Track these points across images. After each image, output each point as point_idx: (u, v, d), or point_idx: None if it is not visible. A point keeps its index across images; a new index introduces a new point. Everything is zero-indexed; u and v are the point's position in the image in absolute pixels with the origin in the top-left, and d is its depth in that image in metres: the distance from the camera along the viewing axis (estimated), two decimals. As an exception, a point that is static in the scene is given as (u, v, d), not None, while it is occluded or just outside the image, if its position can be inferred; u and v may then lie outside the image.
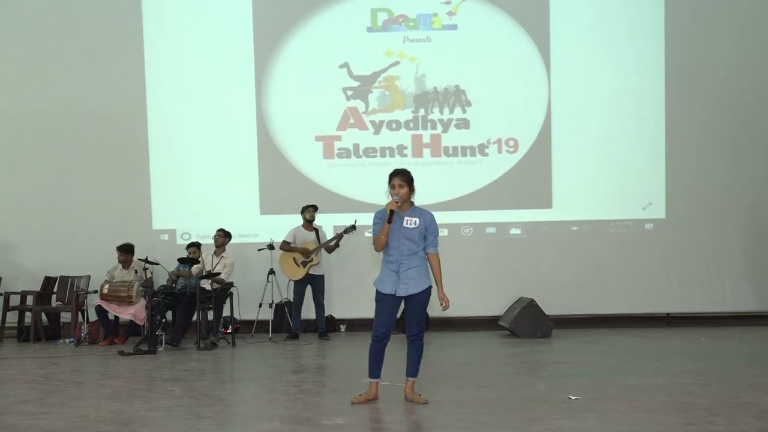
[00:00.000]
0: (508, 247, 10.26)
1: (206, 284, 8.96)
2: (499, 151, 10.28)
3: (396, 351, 5.63)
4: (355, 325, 10.02)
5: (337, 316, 10.10)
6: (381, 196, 5.43)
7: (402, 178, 5.32)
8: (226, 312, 9.19)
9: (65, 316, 9.97)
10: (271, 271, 9.56)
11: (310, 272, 9.50)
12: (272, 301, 9.61)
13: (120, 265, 9.49)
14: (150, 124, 10.30)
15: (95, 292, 9.40)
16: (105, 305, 9.19)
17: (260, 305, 9.58)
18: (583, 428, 4.58)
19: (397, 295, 5.27)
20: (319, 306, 9.58)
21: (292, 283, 9.72)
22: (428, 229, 5.33)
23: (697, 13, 10.20)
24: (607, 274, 10.18)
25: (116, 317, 9.45)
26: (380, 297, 5.32)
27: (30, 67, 10.34)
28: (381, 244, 5.26)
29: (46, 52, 10.33)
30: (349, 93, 10.34)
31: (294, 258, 9.50)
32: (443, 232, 10.12)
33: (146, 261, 9.21)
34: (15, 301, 9.91)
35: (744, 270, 10.17)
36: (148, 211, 10.31)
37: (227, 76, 10.32)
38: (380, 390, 5.52)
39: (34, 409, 5.36)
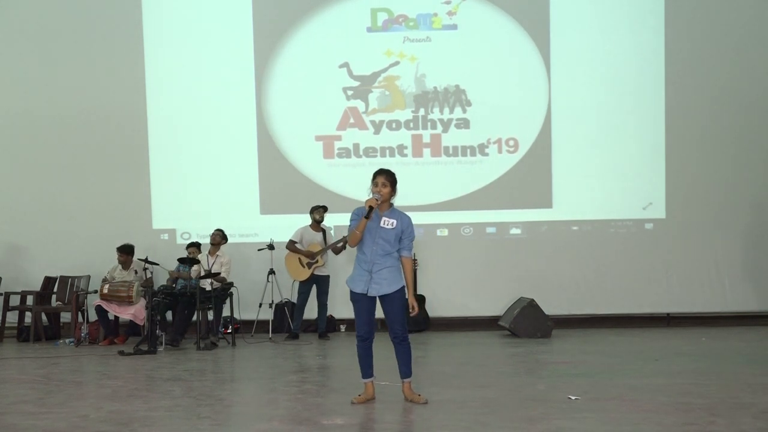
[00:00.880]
0: (508, 247, 10.26)
1: (206, 284, 8.95)
2: (499, 151, 10.28)
3: (391, 351, 5.60)
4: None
5: (337, 316, 10.09)
6: (366, 195, 5.41)
7: (386, 178, 5.33)
8: (226, 312, 9.18)
9: (65, 316, 9.97)
10: (271, 271, 9.56)
11: (315, 273, 9.49)
12: (272, 301, 9.60)
13: (120, 266, 9.49)
14: (150, 124, 10.30)
15: (95, 292, 9.40)
16: (105, 305, 9.19)
17: (260, 305, 9.57)
18: (583, 428, 4.58)
19: (369, 294, 5.28)
20: (322, 306, 9.57)
21: (293, 283, 9.72)
22: (404, 232, 5.33)
23: (697, 13, 10.20)
24: (607, 274, 10.18)
25: (116, 317, 9.45)
26: (355, 297, 5.35)
27: (30, 67, 10.35)
28: (356, 239, 5.27)
29: (46, 52, 10.33)
30: (350, 93, 10.34)
31: (299, 259, 9.49)
32: (443, 232, 10.24)
33: (146, 261, 9.21)
34: (15, 301, 9.91)
35: (744, 270, 10.17)
36: (148, 211, 10.31)
37: (227, 76, 10.32)
38: (380, 390, 5.52)
39: (34, 409, 5.36)
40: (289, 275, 9.64)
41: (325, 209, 9.62)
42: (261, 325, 9.67)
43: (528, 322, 9.16)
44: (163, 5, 10.37)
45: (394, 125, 10.34)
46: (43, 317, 9.87)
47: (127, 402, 5.60)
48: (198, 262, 9.12)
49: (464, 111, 10.31)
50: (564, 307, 10.07)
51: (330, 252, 9.55)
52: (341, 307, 10.09)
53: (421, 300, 10.00)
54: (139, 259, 9.37)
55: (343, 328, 10.17)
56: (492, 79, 10.26)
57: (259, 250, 9.77)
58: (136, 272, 9.44)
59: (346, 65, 10.32)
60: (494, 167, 10.27)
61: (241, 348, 8.70)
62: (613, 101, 10.21)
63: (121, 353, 8.14)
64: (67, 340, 9.36)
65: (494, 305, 10.01)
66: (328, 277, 9.59)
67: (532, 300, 9.31)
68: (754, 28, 10.22)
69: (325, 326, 9.60)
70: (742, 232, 10.20)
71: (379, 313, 5.38)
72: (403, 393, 5.40)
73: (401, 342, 5.32)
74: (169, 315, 9.10)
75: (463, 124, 10.32)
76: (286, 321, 9.76)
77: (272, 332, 9.40)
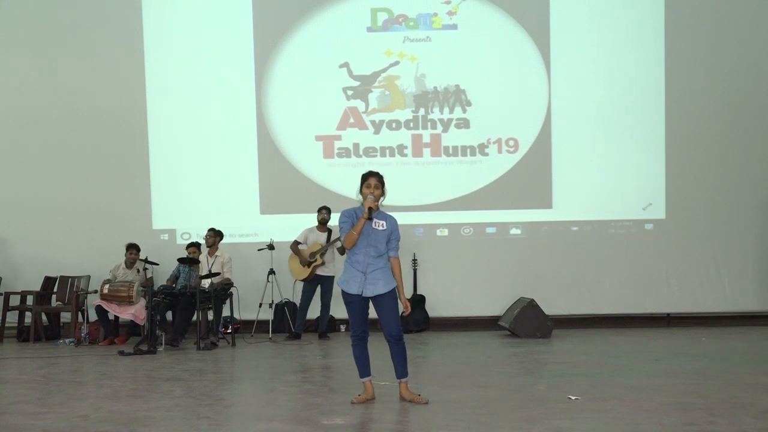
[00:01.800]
0: (508, 247, 10.26)
1: (206, 284, 8.95)
2: (499, 151, 10.28)
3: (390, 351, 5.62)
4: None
5: (338, 316, 10.09)
6: (356, 197, 5.43)
7: (378, 180, 5.37)
8: (226, 312, 9.18)
9: (65, 316, 9.97)
10: (271, 271, 9.56)
11: (320, 273, 9.48)
12: (272, 301, 9.61)
13: (124, 264, 9.49)
14: (150, 124, 10.31)
15: (95, 292, 9.41)
16: (105, 305, 9.19)
17: (260, 305, 9.58)
18: (583, 428, 4.58)
19: (363, 295, 5.30)
20: (325, 306, 9.57)
21: (294, 283, 9.72)
22: (392, 233, 5.39)
23: (698, 13, 10.20)
24: (607, 274, 10.18)
25: (116, 317, 9.45)
26: (349, 299, 5.36)
27: (30, 66, 10.36)
28: (353, 240, 5.28)
29: (46, 52, 10.34)
30: (349, 93, 10.34)
31: (300, 260, 9.48)
32: (443, 232, 10.25)
33: (146, 261, 9.22)
34: (15, 301, 9.91)
35: (744, 270, 10.18)
36: (148, 211, 10.31)
37: (227, 76, 10.32)
38: (380, 390, 5.52)
39: (34, 409, 5.36)
40: (291, 275, 9.64)
41: (328, 210, 9.60)
42: (261, 325, 9.68)
43: (528, 322, 9.16)
44: (163, 5, 10.37)
45: (394, 125, 10.35)
46: (43, 317, 9.87)
47: (127, 402, 5.59)
48: (198, 261, 9.12)
49: (464, 111, 10.31)
50: (564, 307, 10.08)
51: (336, 252, 9.54)
52: (342, 308, 10.04)
53: (421, 300, 10.00)
54: (139, 260, 9.38)
55: (343, 328, 10.17)
56: (492, 79, 10.26)
57: (259, 250, 9.77)
58: (138, 271, 9.45)
59: (346, 65, 10.32)
60: (494, 167, 10.27)
61: (241, 348, 8.70)
62: (613, 101, 10.21)
63: (121, 353, 8.14)
64: (67, 340, 9.36)
65: (494, 305, 10.01)
66: (332, 277, 9.55)
67: (532, 300, 9.31)
68: (754, 27, 10.23)
69: (326, 326, 9.60)
70: (742, 232, 10.20)
71: (372, 314, 5.37)
72: (400, 393, 5.40)
73: (397, 342, 5.33)
74: (169, 315, 9.10)
75: (463, 124, 10.32)
76: (286, 321, 9.76)
77: (272, 332, 9.40)
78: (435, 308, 10.11)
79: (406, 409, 5.20)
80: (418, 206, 10.16)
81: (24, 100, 10.35)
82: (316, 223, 9.62)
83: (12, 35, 10.41)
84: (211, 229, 9.40)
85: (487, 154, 10.29)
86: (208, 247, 9.34)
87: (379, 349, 5.66)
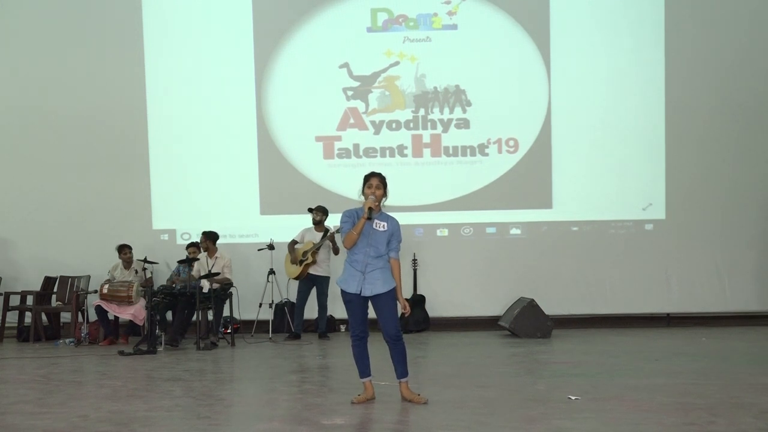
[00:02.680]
0: (508, 247, 10.26)
1: (205, 284, 8.94)
2: (499, 151, 10.28)
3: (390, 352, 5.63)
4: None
5: (337, 316, 10.09)
6: (358, 197, 5.44)
7: (380, 180, 5.38)
8: (225, 312, 9.18)
9: (65, 316, 9.97)
10: (271, 271, 9.57)
11: (314, 273, 9.48)
12: (272, 301, 9.61)
13: (121, 265, 9.50)
14: (150, 124, 10.31)
15: (95, 292, 9.41)
16: (105, 305, 9.19)
17: (260, 305, 9.58)
18: (583, 428, 4.58)
19: (362, 294, 5.31)
20: (322, 307, 9.57)
21: (293, 283, 9.72)
22: (393, 235, 5.40)
23: (698, 13, 10.20)
24: (607, 274, 10.18)
25: (116, 317, 9.45)
26: (348, 298, 5.37)
27: (30, 67, 10.35)
28: (353, 240, 5.29)
29: (46, 52, 10.34)
30: (350, 93, 10.34)
31: (293, 258, 9.51)
32: (443, 232, 10.24)
33: (146, 261, 9.22)
34: (15, 301, 9.91)
35: (744, 270, 10.17)
36: (148, 211, 10.31)
37: (227, 76, 10.32)
38: (380, 390, 5.52)
39: (34, 409, 5.36)
40: (285, 275, 9.67)
41: (321, 210, 9.57)
42: (261, 325, 9.68)
43: (528, 322, 9.16)
44: (163, 5, 10.37)
45: (394, 125, 10.34)
46: (43, 317, 9.87)
47: (127, 402, 5.59)
48: (197, 260, 9.11)
49: (464, 111, 10.31)
50: (564, 307, 10.07)
51: (331, 252, 9.55)
52: (341, 308, 10.04)
53: (421, 300, 10.00)
54: (138, 260, 9.38)
55: (342, 328, 10.16)
56: (492, 79, 10.26)
57: (259, 250, 9.78)
58: (136, 272, 9.45)
59: (346, 65, 10.32)
60: (494, 167, 10.27)
61: (241, 348, 8.70)
62: (613, 101, 10.21)
63: (121, 353, 8.14)
64: (67, 340, 9.36)
65: (494, 305, 10.01)
66: (327, 278, 9.57)
67: (532, 300, 9.31)
68: (754, 27, 10.22)
69: (325, 326, 9.60)
70: (742, 232, 10.19)
71: (372, 314, 5.37)
72: (401, 393, 5.40)
73: (396, 342, 5.34)
74: (169, 315, 9.10)
75: (463, 124, 10.32)
76: (286, 321, 9.76)
77: (272, 332, 9.40)
78: (435, 308, 10.11)
79: (406, 409, 5.20)
80: (418, 206, 10.15)
81: (24, 100, 10.34)
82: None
83: (12, 35, 10.41)
84: (204, 234, 9.25)
85: (487, 155, 10.29)
86: (204, 251, 9.30)
87: (379, 349, 5.66)
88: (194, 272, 9.06)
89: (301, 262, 9.44)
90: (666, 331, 9.80)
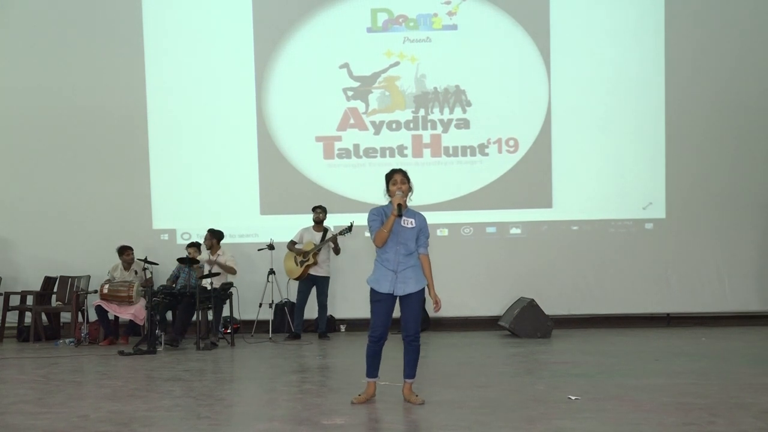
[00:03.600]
0: (508, 247, 10.26)
1: (206, 284, 8.95)
2: (499, 151, 10.28)
3: (394, 351, 5.63)
4: (355, 325, 10.01)
5: (337, 316, 10.10)
6: (381, 196, 5.44)
7: (404, 175, 5.39)
8: (225, 312, 9.18)
9: (65, 316, 9.97)
10: (271, 271, 9.57)
11: (314, 273, 9.49)
12: (272, 301, 9.61)
13: (121, 265, 9.50)
14: (150, 124, 10.31)
15: (95, 292, 9.41)
16: (105, 305, 9.19)
17: (260, 305, 9.58)
18: (583, 428, 4.58)
19: (395, 294, 5.28)
20: (322, 307, 9.57)
21: (293, 283, 9.72)
22: (421, 231, 5.39)
23: (698, 13, 10.20)
24: (607, 274, 10.18)
25: (116, 317, 9.45)
26: (377, 297, 5.31)
27: (30, 66, 10.35)
28: (383, 238, 5.25)
29: (46, 52, 10.34)
30: (350, 93, 10.34)
31: (294, 257, 9.51)
32: (443, 232, 10.24)
33: (146, 261, 9.22)
34: (15, 301, 9.91)
35: (744, 270, 10.17)
36: (148, 211, 10.31)
37: (227, 75, 10.32)
38: (379, 390, 5.52)
39: (34, 409, 5.36)
40: (285, 275, 9.66)
41: (322, 209, 9.59)
42: (261, 325, 9.68)
43: (528, 322, 9.16)
44: (163, 5, 10.37)
45: (394, 126, 10.34)
46: (43, 317, 9.87)
47: (127, 402, 5.59)
48: (197, 261, 9.12)
49: (464, 111, 10.31)
50: (564, 307, 10.08)
51: (331, 252, 9.56)
52: (341, 308, 10.10)
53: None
54: (139, 259, 9.38)
55: (343, 328, 10.17)
56: (492, 79, 10.26)
57: (259, 250, 9.78)
58: (136, 272, 9.45)
59: (346, 66, 10.32)
60: (494, 167, 10.27)
61: (241, 348, 8.70)
62: (613, 101, 10.21)
63: (121, 353, 8.14)
64: (67, 340, 9.35)
65: (494, 305, 10.02)
66: (327, 278, 9.58)
67: (532, 300, 9.31)
68: (754, 27, 10.22)
69: (325, 326, 9.60)
70: (742, 232, 10.19)
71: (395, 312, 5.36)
72: (403, 393, 5.40)
73: (412, 342, 5.33)
74: (169, 315, 9.10)
75: (463, 124, 10.32)
76: (286, 321, 9.76)
77: (272, 332, 9.40)
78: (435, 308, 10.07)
79: (405, 409, 5.21)
80: (418, 206, 10.03)
81: (24, 100, 10.35)
82: (313, 223, 9.63)
83: (12, 35, 10.41)
84: (209, 231, 9.38)
85: (487, 154, 10.30)
86: (207, 249, 9.33)
87: (384, 349, 5.63)
88: (198, 269, 9.08)
89: (302, 262, 9.44)
90: (666, 331, 9.80)
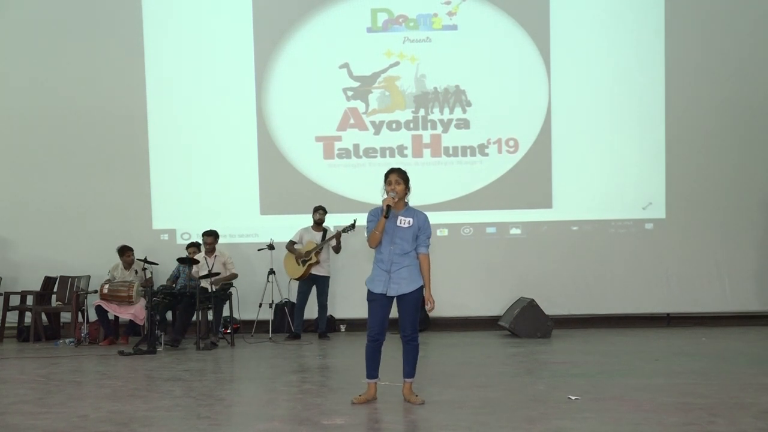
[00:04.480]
0: (508, 247, 10.26)
1: (206, 284, 8.95)
2: (499, 151, 10.28)
3: (394, 351, 5.63)
4: (355, 325, 10.01)
5: (337, 316, 10.10)
6: (381, 196, 5.43)
7: (399, 176, 5.33)
8: (225, 312, 9.18)
9: (65, 316, 9.97)
10: (271, 271, 9.57)
11: (314, 273, 9.49)
12: (272, 301, 9.61)
13: (121, 265, 9.50)
14: (150, 124, 10.31)
15: (95, 292, 9.41)
16: (105, 305, 9.19)
17: (260, 305, 9.58)
18: (583, 428, 4.58)
19: (388, 294, 5.27)
20: (322, 307, 9.58)
21: (293, 283, 9.72)
22: (421, 229, 5.35)
23: (698, 13, 10.20)
24: (607, 274, 10.18)
25: (116, 317, 9.45)
26: (372, 297, 5.32)
27: (30, 66, 10.35)
28: (376, 239, 5.26)
29: (46, 52, 10.34)
30: (350, 93, 10.34)
31: (295, 257, 9.51)
32: (443, 232, 10.23)
33: (146, 261, 9.22)
34: (15, 301, 9.91)
35: (744, 270, 10.17)
36: (148, 211, 10.31)
37: (227, 76, 10.32)
38: (379, 390, 5.52)
39: (34, 409, 5.36)
40: (286, 275, 9.66)
41: (323, 210, 9.60)
42: (261, 325, 9.68)
43: (528, 322, 9.16)
44: (163, 5, 10.37)
45: (394, 126, 10.34)
46: (43, 317, 9.87)
47: (127, 402, 5.60)
48: (197, 261, 9.12)
49: (464, 111, 10.31)
50: (564, 307, 10.08)
51: (331, 252, 9.56)
52: (341, 308, 10.10)
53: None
54: (138, 260, 9.38)
55: (343, 328, 10.17)
56: (492, 79, 10.26)
57: (259, 250, 9.78)
58: (136, 272, 9.45)
59: (346, 66, 10.32)
60: (494, 167, 10.27)
61: (241, 348, 8.70)
62: (613, 101, 10.21)
63: (121, 353, 8.14)
64: (67, 340, 9.35)
65: (494, 305, 10.02)
66: (327, 278, 9.59)
67: (532, 300, 9.31)
68: (754, 28, 10.22)
69: (326, 326, 9.60)
70: (742, 232, 10.19)
71: (391, 312, 5.35)
72: (403, 393, 5.40)
73: (410, 341, 5.33)
74: (169, 315, 9.10)
75: (463, 124, 10.32)
76: (286, 321, 9.76)
77: (272, 332, 9.40)
78: (435, 308, 10.04)
79: (405, 409, 5.21)
80: (418, 206, 10.04)
81: (24, 100, 10.34)
82: (312, 223, 9.63)
83: (12, 35, 10.40)
84: (210, 235, 9.24)
85: (487, 155, 10.29)
86: (209, 252, 9.31)
87: (383, 348, 5.63)
88: (194, 272, 9.06)
89: (304, 262, 9.44)
90: (666, 331, 9.80)
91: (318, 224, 9.60)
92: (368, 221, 5.36)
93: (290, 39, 10.34)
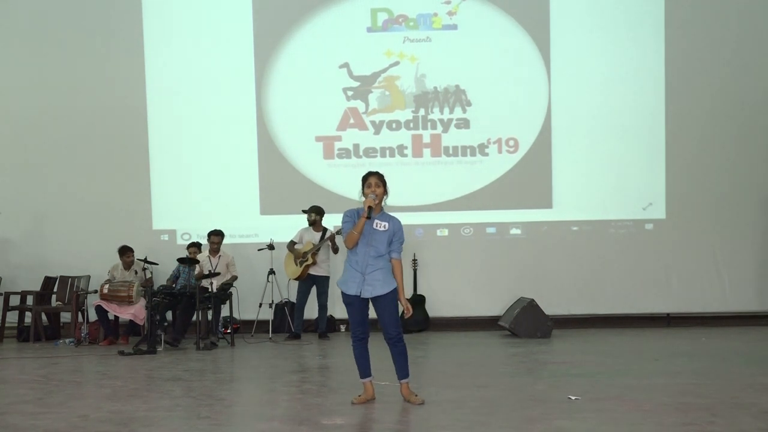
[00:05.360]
0: (508, 247, 10.26)
1: (207, 284, 8.95)
2: (499, 151, 10.28)
3: (389, 351, 5.63)
4: (355, 325, 10.00)
5: (337, 316, 10.09)
6: (359, 198, 5.44)
7: (379, 178, 5.36)
8: (225, 312, 9.18)
9: (65, 316, 9.97)
10: (271, 271, 9.57)
11: (314, 273, 9.49)
12: (272, 301, 9.61)
13: (121, 265, 9.50)
14: (150, 124, 10.31)
15: (95, 292, 9.41)
16: (105, 305, 9.19)
17: (260, 305, 9.58)
18: (583, 428, 4.58)
19: (362, 296, 5.27)
20: (322, 307, 9.58)
21: (293, 283, 9.72)
22: (395, 235, 5.36)
23: (698, 12, 10.19)
24: (607, 274, 10.18)
25: (116, 317, 9.45)
26: (347, 300, 5.34)
27: (30, 66, 10.35)
28: (353, 240, 5.27)
29: (46, 52, 10.33)
30: (350, 93, 10.34)
31: (294, 258, 9.52)
32: (443, 232, 10.25)
33: (146, 261, 9.22)
34: (15, 301, 9.91)
35: (744, 270, 10.17)
36: (148, 211, 10.31)
37: (227, 76, 10.32)
38: (380, 390, 5.52)
39: (34, 409, 5.36)
40: (286, 275, 9.67)
41: (316, 210, 9.56)
42: (261, 325, 9.68)
43: (528, 322, 9.16)
44: (163, 5, 10.36)
45: (394, 125, 10.34)
46: (43, 317, 9.87)
47: (127, 402, 5.60)
48: (198, 262, 9.12)
49: (464, 111, 10.31)
50: (564, 307, 10.08)
51: (330, 252, 9.56)
52: (341, 308, 10.01)
53: (421, 300, 9.99)
54: (138, 260, 9.38)
55: (343, 328, 10.17)
56: (492, 79, 10.26)
57: (259, 250, 9.78)
58: (136, 272, 9.45)
59: (346, 65, 10.32)
60: (494, 167, 10.27)
61: (241, 348, 8.70)
62: (613, 101, 10.21)
63: (121, 353, 8.15)
64: (67, 340, 9.36)
65: (494, 305, 10.01)
66: (327, 278, 9.58)
67: (532, 300, 9.31)
68: (754, 26, 10.21)
69: (325, 326, 9.60)
70: (742, 232, 10.19)
71: (372, 315, 5.36)
72: (401, 394, 5.40)
73: (396, 343, 5.32)
74: (169, 315, 9.10)
75: (463, 124, 10.32)
76: (286, 321, 9.76)
77: (272, 332, 9.40)
78: (435, 308, 10.10)
79: (405, 409, 5.20)
80: (418, 206, 10.15)
81: (23, 100, 10.34)
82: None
83: (12, 35, 10.41)
84: (217, 234, 9.38)
85: (487, 154, 10.29)
86: (214, 252, 9.33)
87: (379, 348, 5.66)
88: (197, 273, 9.06)
89: (301, 262, 9.44)
90: (666, 331, 9.80)
91: (314, 225, 9.60)
92: (344, 222, 5.37)
93: (290, 39, 10.34)
